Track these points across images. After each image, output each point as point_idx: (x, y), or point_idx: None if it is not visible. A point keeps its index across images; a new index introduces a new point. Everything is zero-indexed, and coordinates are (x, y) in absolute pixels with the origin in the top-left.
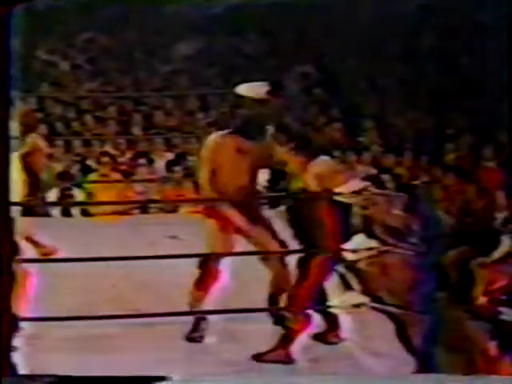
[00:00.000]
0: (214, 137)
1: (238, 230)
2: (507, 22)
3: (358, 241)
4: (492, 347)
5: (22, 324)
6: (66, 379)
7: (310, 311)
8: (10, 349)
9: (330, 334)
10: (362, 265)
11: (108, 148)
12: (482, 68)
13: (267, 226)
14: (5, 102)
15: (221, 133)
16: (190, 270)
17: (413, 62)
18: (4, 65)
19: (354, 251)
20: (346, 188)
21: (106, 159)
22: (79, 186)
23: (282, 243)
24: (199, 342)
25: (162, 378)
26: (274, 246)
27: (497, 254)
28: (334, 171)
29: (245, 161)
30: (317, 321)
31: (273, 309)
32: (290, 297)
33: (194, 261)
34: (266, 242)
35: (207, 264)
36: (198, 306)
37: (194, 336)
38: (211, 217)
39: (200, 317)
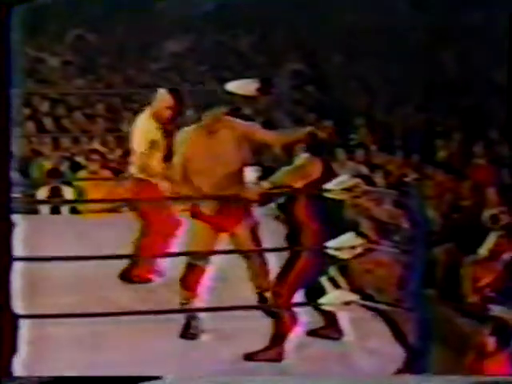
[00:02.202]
0: (184, 129)
1: (222, 229)
2: (500, 21)
3: (347, 238)
4: (482, 344)
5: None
6: (59, 379)
7: (296, 309)
8: (8, 349)
9: (329, 329)
10: (350, 262)
11: (97, 145)
12: (471, 66)
13: (250, 224)
14: (5, 101)
15: (192, 126)
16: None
17: (403, 59)
18: (3, 63)
19: (340, 249)
20: (337, 185)
21: (95, 156)
22: (69, 183)
23: (258, 242)
24: (193, 339)
25: (155, 377)
26: (253, 244)
27: (484, 251)
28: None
29: (219, 143)
30: (306, 318)
31: (261, 306)
32: (274, 294)
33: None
34: (247, 240)
35: (191, 263)
36: (187, 304)
37: (187, 334)
38: (196, 216)
39: (191, 315)
